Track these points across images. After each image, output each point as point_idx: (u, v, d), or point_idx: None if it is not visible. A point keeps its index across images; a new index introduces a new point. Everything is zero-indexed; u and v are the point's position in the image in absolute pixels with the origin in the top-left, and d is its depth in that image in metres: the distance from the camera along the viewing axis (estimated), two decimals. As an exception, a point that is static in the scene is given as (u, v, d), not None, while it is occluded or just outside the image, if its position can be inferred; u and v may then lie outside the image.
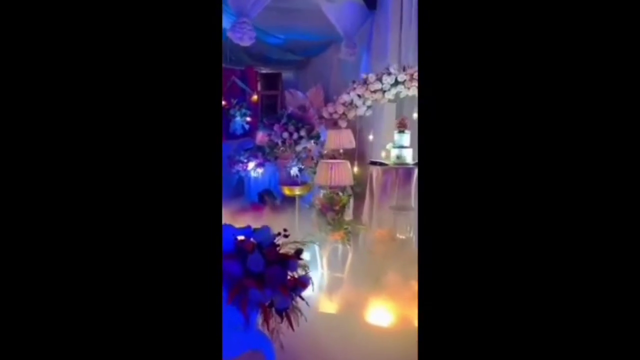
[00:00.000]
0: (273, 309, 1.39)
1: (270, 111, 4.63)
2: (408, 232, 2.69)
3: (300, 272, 1.48)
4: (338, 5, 3.54)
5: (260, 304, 1.36)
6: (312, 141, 3.42)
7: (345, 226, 2.54)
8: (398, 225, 2.71)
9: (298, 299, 1.45)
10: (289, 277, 1.43)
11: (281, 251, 1.46)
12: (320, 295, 2.50)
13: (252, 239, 1.43)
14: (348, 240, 2.55)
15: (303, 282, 1.46)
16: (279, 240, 1.48)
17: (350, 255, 2.65)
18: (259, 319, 1.43)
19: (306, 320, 1.48)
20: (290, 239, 1.54)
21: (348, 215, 2.60)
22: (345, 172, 2.59)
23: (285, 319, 1.39)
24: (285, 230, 1.50)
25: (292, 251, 1.48)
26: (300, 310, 1.45)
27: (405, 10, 3.44)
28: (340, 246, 2.62)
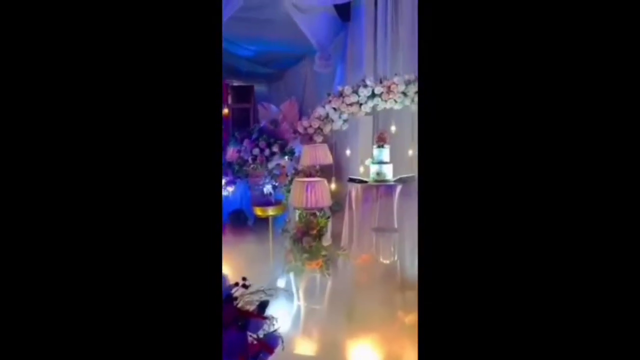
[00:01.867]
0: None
1: (242, 125, 4.26)
2: (392, 256, 2.37)
3: (267, 329, 1.10)
4: (310, 16, 3.29)
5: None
6: (286, 157, 3.08)
7: (324, 253, 2.19)
8: (381, 249, 2.38)
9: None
10: (250, 341, 1.05)
11: (239, 305, 1.09)
12: (297, 333, 2.12)
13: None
14: (326, 269, 2.19)
15: (270, 345, 1.09)
16: (236, 292, 1.10)
17: (329, 284, 2.29)
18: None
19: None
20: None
21: (326, 240, 2.24)
22: (322, 192, 2.26)
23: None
24: (244, 279, 1.13)
25: (254, 305, 1.10)
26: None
27: (379, 21, 3.24)
28: (318, 276, 2.25)
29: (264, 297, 1.12)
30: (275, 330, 1.12)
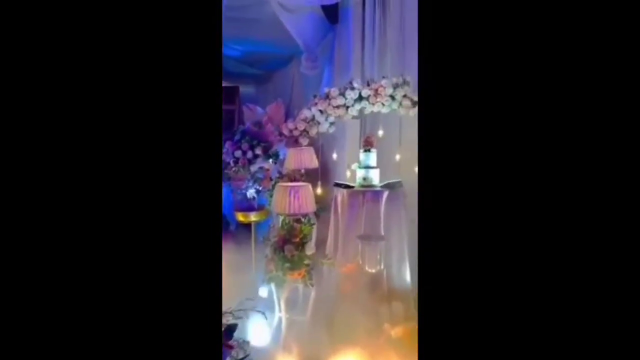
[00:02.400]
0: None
1: (226, 128, 4.10)
2: (378, 264, 2.25)
3: (235, 356, 0.96)
4: (297, 16, 3.18)
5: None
6: (270, 160, 2.94)
7: (306, 262, 2.06)
8: (367, 258, 2.26)
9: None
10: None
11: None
12: (277, 347, 1.98)
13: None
14: (309, 279, 2.05)
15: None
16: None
17: (313, 295, 2.15)
18: None
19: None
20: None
21: (310, 249, 2.11)
22: (307, 197, 2.13)
23: None
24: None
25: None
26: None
27: (367, 24, 3.16)
28: (301, 286, 2.11)
29: (231, 320, 0.98)
30: (245, 358, 0.98)
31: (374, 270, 2.21)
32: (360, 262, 2.26)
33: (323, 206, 2.63)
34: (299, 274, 2.03)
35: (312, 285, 2.08)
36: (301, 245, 2.06)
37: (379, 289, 2.20)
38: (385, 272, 2.27)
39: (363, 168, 2.59)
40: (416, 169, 2.79)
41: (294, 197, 2.09)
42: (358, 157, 2.67)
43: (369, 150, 2.60)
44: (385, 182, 2.51)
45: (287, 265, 2.01)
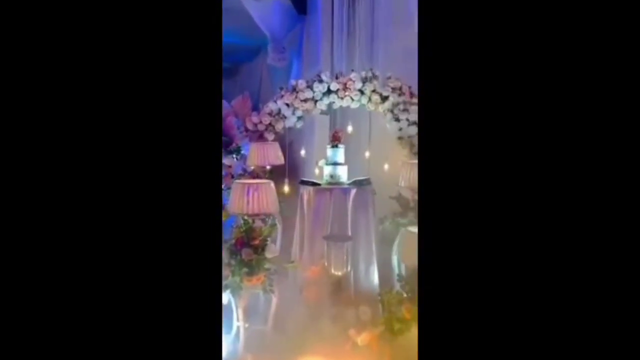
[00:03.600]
0: None
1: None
2: (344, 266, 2.07)
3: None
4: (263, 4, 2.93)
5: None
6: (232, 156, 2.68)
7: (267, 266, 1.83)
8: (333, 259, 2.07)
9: None
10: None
11: None
12: (235, 359, 1.75)
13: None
14: (270, 285, 1.83)
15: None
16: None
17: (274, 302, 1.93)
18: None
19: None
20: None
21: (272, 252, 1.89)
22: (268, 196, 1.90)
23: None
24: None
25: None
26: None
27: (336, 15, 2.97)
28: (261, 292, 1.89)
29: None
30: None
31: (340, 273, 2.03)
32: (326, 264, 2.06)
33: (290, 206, 2.42)
34: (258, 280, 1.80)
35: (273, 292, 1.87)
36: (261, 248, 1.84)
37: (345, 292, 2.02)
38: (352, 275, 2.10)
39: (330, 165, 2.41)
40: (386, 166, 2.70)
41: (253, 195, 1.86)
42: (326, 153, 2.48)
43: (336, 146, 2.42)
44: (354, 180, 2.34)
45: (245, 270, 1.77)
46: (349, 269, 2.07)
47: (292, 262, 2.07)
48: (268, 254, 1.86)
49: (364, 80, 2.60)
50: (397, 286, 1.92)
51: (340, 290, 2.02)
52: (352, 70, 2.66)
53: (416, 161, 2.28)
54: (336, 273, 2.03)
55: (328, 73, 2.70)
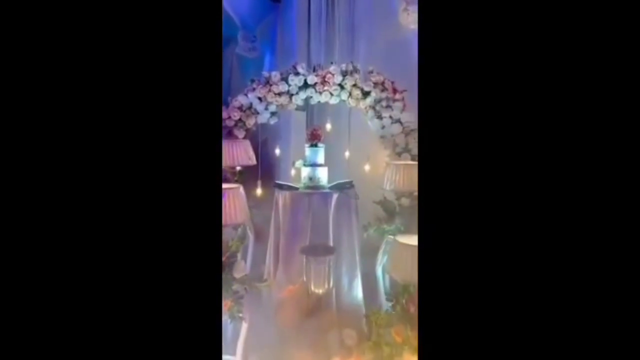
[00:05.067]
0: None
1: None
2: (325, 283, 1.75)
3: None
4: (233, -13, 2.55)
5: None
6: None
7: (234, 287, 1.48)
8: (312, 275, 1.75)
9: None
10: None
11: None
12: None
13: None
14: (238, 312, 1.49)
15: None
16: None
17: (244, 327, 1.58)
18: None
19: None
20: None
21: (239, 270, 1.54)
22: (236, 203, 1.55)
23: None
24: None
25: None
26: None
27: (313, 3, 2.65)
28: (228, 320, 1.53)
29: None
30: None
31: (321, 291, 1.72)
32: (305, 281, 1.74)
33: (263, 212, 2.07)
34: (225, 306, 1.45)
35: (242, 317, 1.52)
36: (227, 266, 1.48)
37: (326, 313, 1.71)
38: (334, 292, 1.79)
39: (309, 166, 2.09)
40: (367, 167, 2.44)
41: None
42: (304, 153, 2.16)
43: (315, 145, 2.11)
44: (335, 183, 2.03)
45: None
46: (330, 285, 1.76)
47: (265, 280, 1.73)
48: (236, 274, 1.50)
49: (344, 74, 2.31)
50: (384, 303, 1.66)
51: (321, 311, 1.71)
52: (332, 63, 2.36)
53: (401, 162, 2.05)
54: (317, 291, 1.72)
55: (305, 65, 2.39)
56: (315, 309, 1.70)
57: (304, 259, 1.75)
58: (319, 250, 1.75)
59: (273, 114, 2.37)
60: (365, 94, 2.28)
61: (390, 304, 1.57)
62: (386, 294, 1.80)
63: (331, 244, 1.86)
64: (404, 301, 1.52)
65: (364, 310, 1.82)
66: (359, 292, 1.90)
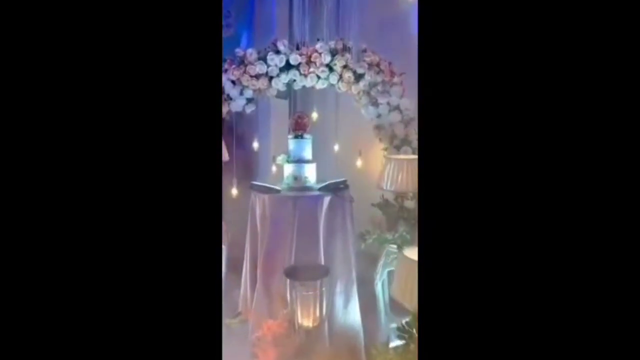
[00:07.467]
0: None
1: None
2: (315, 314, 1.30)
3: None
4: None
5: None
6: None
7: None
8: (300, 305, 1.29)
9: None
10: None
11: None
12: None
13: None
14: None
15: None
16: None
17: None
18: None
19: None
20: None
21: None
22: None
23: None
24: None
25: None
26: None
27: (296, -28, 2.16)
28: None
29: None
30: None
31: (310, 325, 1.27)
32: (290, 312, 1.28)
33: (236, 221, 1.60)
34: None
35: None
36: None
37: (318, 353, 1.27)
38: (326, 326, 1.34)
39: (293, 162, 1.64)
40: (359, 163, 2.03)
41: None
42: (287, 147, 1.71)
43: (301, 137, 1.66)
44: (327, 183, 1.59)
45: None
46: (323, 316, 1.31)
47: (239, 314, 1.25)
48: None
49: (334, 53, 1.86)
50: (388, 332, 1.25)
51: (311, 350, 1.26)
52: (318, 40, 1.90)
53: (403, 157, 1.66)
54: (305, 325, 1.26)
55: (286, 42, 1.91)
56: (304, 349, 1.25)
57: (288, 284, 1.27)
58: (307, 271, 1.28)
59: (249, 100, 1.89)
60: (359, 77, 1.85)
61: (401, 342, 1.15)
62: (386, 314, 1.42)
63: (322, 262, 1.41)
64: (416, 333, 1.12)
65: (362, 340, 1.40)
66: (356, 316, 1.48)
